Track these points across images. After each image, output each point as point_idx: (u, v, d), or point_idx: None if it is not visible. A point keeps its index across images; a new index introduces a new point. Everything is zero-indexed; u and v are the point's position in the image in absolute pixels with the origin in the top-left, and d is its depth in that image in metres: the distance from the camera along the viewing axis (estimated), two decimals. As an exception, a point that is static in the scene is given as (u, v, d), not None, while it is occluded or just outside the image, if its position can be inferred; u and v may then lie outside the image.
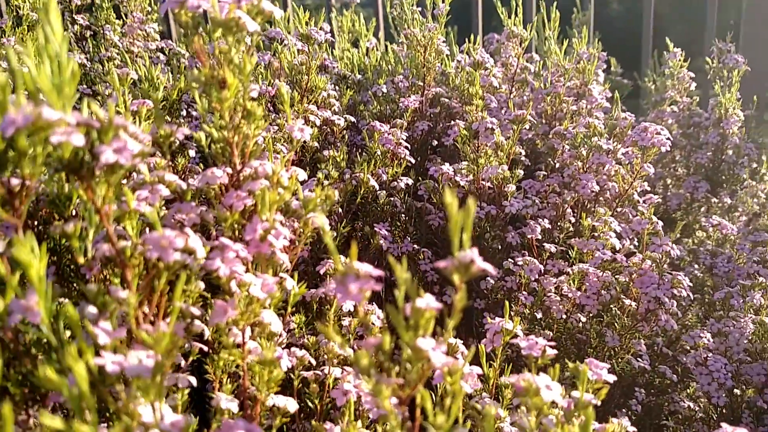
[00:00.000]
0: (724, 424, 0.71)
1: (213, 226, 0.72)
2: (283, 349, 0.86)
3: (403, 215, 1.35)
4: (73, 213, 0.63)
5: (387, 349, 0.55)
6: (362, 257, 1.16)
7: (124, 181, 0.68)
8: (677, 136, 1.99)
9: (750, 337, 1.22)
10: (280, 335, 0.88)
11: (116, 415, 0.51)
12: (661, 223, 1.22)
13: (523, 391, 0.56)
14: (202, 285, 0.68)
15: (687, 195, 1.85)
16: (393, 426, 0.52)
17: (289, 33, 1.41)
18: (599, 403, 0.71)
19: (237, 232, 0.69)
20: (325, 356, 0.87)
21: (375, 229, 1.14)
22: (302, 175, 0.77)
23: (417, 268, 1.31)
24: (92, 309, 0.53)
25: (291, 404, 0.67)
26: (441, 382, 0.57)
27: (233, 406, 0.61)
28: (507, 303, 0.89)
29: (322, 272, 0.94)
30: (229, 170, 0.71)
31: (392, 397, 0.54)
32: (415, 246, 1.31)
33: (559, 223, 1.35)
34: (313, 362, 0.87)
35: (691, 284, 1.54)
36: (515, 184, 1.23)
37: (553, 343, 0.75)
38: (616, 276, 1.21)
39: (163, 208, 0.72)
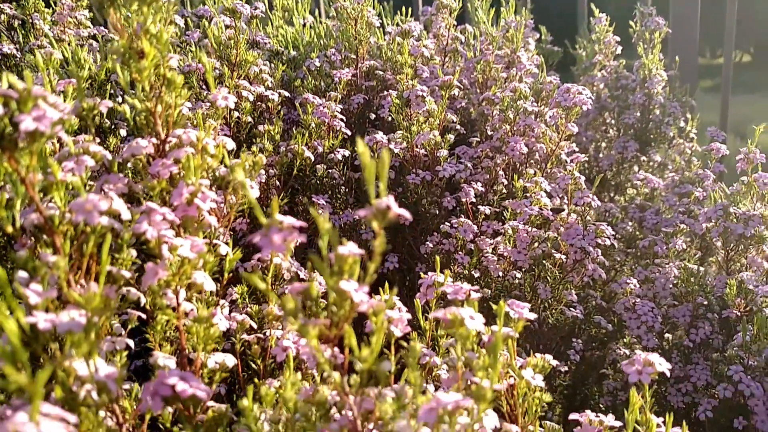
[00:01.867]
0: (638, 351, 0.77)
1: (143, 197, 0.74)
2: (225, 317, 0.89)
3: (342, 187, 1.38)
4: (-1, 186, 0.64)
5: (314, 294, 0.58)
6: (303, 230, 1.19)
7: (52, 156, 0.69)
8: (606, 99, 2.07)
9: (675, 282, 1.30)
10: (221, 304, 0.90)
11: (53, 373, 0.53)
12: (583, 178, 1.29)
13: (449, 323, 0.60)
14: (134, 253, 0.70)
15: (618, 155, 1.93)
16: (322, 363, 0.55)
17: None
18: (516, 335, 0.76)
19: (166, 201, 0.71)
20: (267, 321, 0.90)
21: (313, 199, 1.17)
22: (230, 144, 0.80)
23: (359, 237, 1.35)
24: (23, 273, 0.55)
25: (229, 360, 0.69)
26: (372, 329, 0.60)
27: (171, 362, 0.64)
28: (437, 259, 0.93)
29: (255, 240, 0.96)
30: (155, 140, 0.73)
31: (322, 341, 0.57)
32: (356, 217, 1.35)
33: (492, 187, 1.41)
34: (255, 326, 0.90)
35: (619, 236, 1.62)
36: (447, 150, 1.27)
37: (477, 287, 0.80)
38: (546, 231, 1.27)
39: (92, 182, 0.73)
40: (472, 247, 1.29)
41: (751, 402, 1.15)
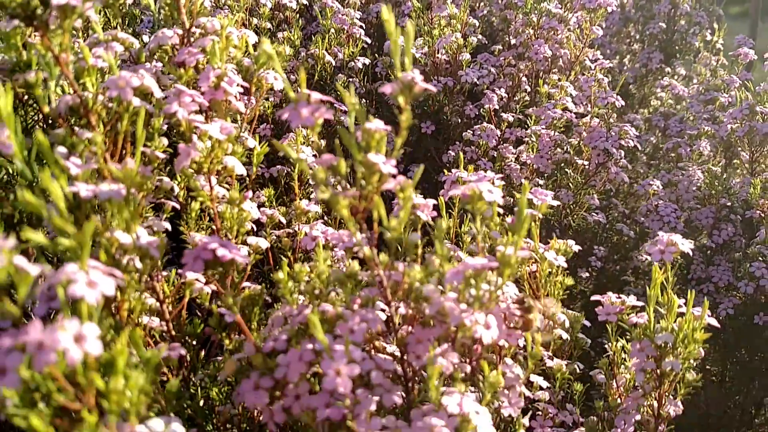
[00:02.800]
0: (660, 232, 0.78)
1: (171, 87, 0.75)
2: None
3: (363, 99, 1.38)
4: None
5: (342, 170, 0.60)
6: (322, 134, 1.20)
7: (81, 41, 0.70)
8: (631, 10, 2.01)
9: (699, 185, 1.29)
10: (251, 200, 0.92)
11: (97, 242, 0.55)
12: (606, 80, 1.27)
13: (468, 198, 0.61)
14: (165, 141, 0.72)
15: (642, 68, 1.90)
16: (353, 232, 0.57)
17: None
18: (541, 216, 0.77)
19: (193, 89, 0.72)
20: (295, 216, 0.93)
21: (335, 106, 1.17)
22: (252, 37, 0.80)
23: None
24: (62, 149, 0.57)
25: (262, 242, 0.72)
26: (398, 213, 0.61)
27: (203, 235, 0.66)
28: (461, 154, 0.94)
29: (284, 116, 0.96)
30: (179, 31, 0.73)
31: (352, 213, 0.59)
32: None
33: (515, 95, 1.40)
34: (284, 222, 0.92)
35: (642, 149, 1.61)
36: (470, 54, 1.26)
37: (501, 175, 0.81)
38: (570, 137, 1.27)
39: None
40: (495, 155, 1.30)
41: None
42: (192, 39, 0.75)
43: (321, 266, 0.63)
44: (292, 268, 0.82)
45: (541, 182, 1.35)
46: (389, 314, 0.62)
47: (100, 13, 0.81)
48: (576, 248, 0.82)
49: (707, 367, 1.45)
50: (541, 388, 0.82)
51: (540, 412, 0.84)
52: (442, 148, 1.39)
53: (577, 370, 0.91)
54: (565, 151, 1.26)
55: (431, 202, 0.77)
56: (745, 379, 1.37)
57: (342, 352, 0.53)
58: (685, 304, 0.76)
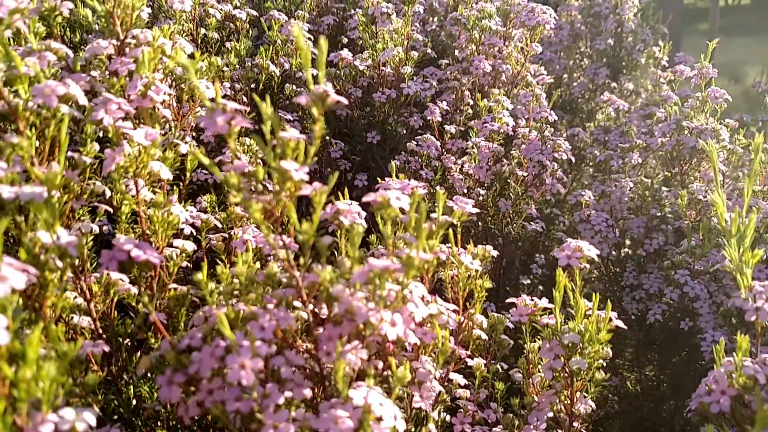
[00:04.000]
0: (568, 239, 0.83)
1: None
2: (191, 215, 0.94)
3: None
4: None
5: (259, 176, 0.63)
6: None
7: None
8: (580, 27, 2.09)
9: (631, 195, 1.36)
10: (189, 209, 0.95)
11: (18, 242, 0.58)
12: (544, 95, 1.33)
13: (378, 204, 0.65)
14: (97, 147, 0.75)
15: (589, 82, 1.97)
16: (266, 234, 0.61)
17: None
18: (457, 224, 0.81)
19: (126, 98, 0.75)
20: (231, 220, 0.96)
21: (280, 115, 1.21)
22: (188, 48, 0.83)
23: (329, 156, 1.39)
24: (-13, 153, 0.59)
25: (189, 245, 0.75)
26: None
27: (130, 237, 0.69)
28: (393, 162, 0.98)
29: (202, 123, 1.00)
30: (115, 41, 0.77)
31: (266, 217, 0.63)
32: (328, 138, 1.39)
33: (459, 107, 1.45)
34: (220, 226, 0.95)
35: (587, 161, 1.67)
36: (413, 67, 1.31)
37: (423, 184, 0.85)
38: (510, 150, 1.32)
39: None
40: (437, 165, 1.35)
41: (696, 304, 1.23)
42: (127, 49, 0.78)
43: (240, 268, 0.67)
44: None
45: (482, 192, 1.40)
46: (307, 314, 0.66)
47: (41, 22, 0.83)
48: (494, 253, 0.87)
49: (646, 372, 1.51)
50: (461, 386, 0.87)
51: (461, 410, 0.88)
52: (388, 158, 1.43)
53: (500, 370, 0.95)
54: (506, 163, 1.31)
55: (356, 208, 0.81)
56: (678, 383, 1.43)
57: (248, 348, 0.56)
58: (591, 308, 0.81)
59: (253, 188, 0.63)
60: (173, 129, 0.84)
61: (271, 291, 0.66)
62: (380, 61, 1.28)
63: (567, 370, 0.81)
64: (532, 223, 1.39)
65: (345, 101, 0.64)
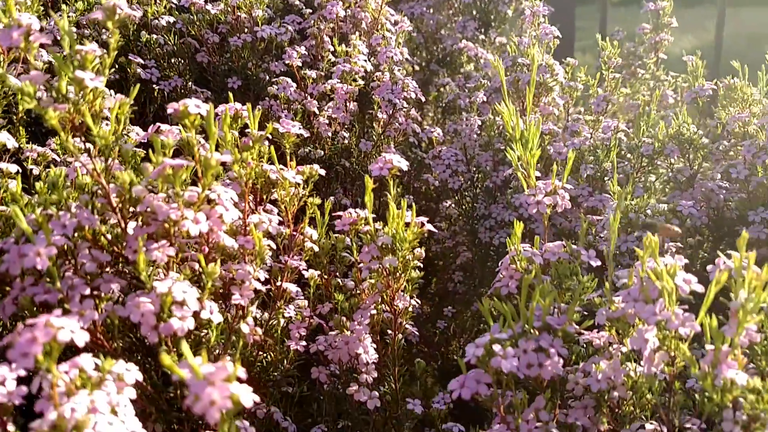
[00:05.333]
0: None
1: None
2: None
3: (174, 58, 1.44)
4: None
5: (62, 87, 0.67)
6: (121, 87, 1.26)
7: None
8: (450, -18, 2.17)
9: (478, 132, 1.46)
10: None
11: None
12: (393, 37, 1.41)
13: (179, 113, 0.71)
14: None
15: (459, 35, 2.06)
16: (64, 140, 0.65)
17: None
18: (287, 146, 0.88)
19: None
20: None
21: (130, 58, 1.23)
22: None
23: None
24: None
25: (12, 167, 0.78)
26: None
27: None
28: (249, 105, 1.03)
29: None
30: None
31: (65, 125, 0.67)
32: (190, 84, 1.42)
33: (320, 53, 1.50)
34: (59, 159, 0.98)
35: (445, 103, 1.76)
36: (266, 11, 1.35)
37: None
38: (364, 89, 1.39)
39: None
40: (298, 107, 1.40)
41: (534, 225, 1.35)
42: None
43: (51, 178, 0.71)
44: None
45: (346, 135, 1.47)
46: (117, 219, 0.71)
47: None
48: (322, 172, 0.94)
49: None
50: (295, 295, 0.94)
51: (297, 317, 0.96)
52: (253, 104, 1.47)
53: (340, 284, 1.03)
54: (357, 100, 1.38)
55: (165, 126, 0.84)
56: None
57: (43, 238, 0.61)
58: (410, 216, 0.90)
59: (54, 98, 0.67)
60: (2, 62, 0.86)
61: (75, 198, 0.70)
62: (232, 5, 1.32)
63: (385, 270, 0.90)
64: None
65: (137, 14, 0.69)
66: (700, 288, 0.65)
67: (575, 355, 0.79)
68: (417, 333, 1.60)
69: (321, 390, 1.04)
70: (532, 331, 0.72)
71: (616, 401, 0.74)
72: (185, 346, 0.48)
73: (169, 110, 0.72)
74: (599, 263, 0.82)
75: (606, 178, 1.30)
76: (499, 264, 0.85)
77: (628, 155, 1.33)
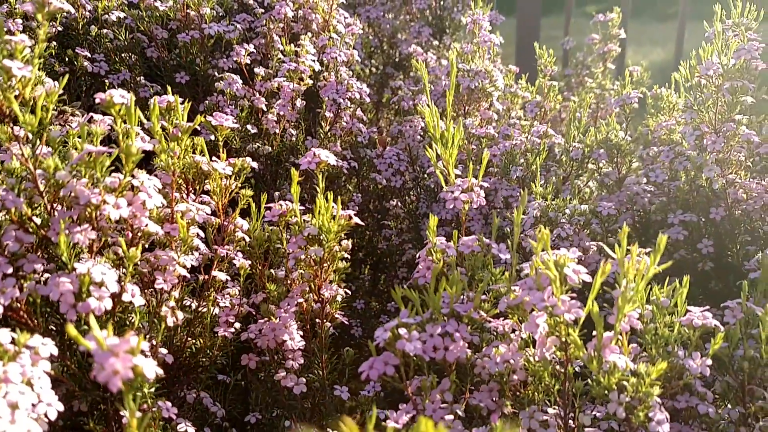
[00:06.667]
0: (315, 149, 0.95)
1: None
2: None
3: (124, 53, 1.46)
4: None
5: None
6: (69, 81, 1.28)
7: None
8: (407, -11, 2.23)
9: (422, 133, 1.51)
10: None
11: None
12: (338, 38, 1.45)
13: (105, 102, 0.74)
14: None
15: (414, 40, 2.11)
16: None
17: None
18: (219, 138, 0.91)
19: None
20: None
21: (77, 51, 1.25)
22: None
23: (137, 94, 1.44)
24: None
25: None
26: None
27: None
28: (176, 96, 1.06)
29: None
30: None
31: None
32: (139, 78, 1.45)
33: (270, 52, 1.54)
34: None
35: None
36: (213, 9, 1.38)
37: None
38: (312, 88, 1.43)
39: None
40: (244, 103, 1.44)
41: (470, 224, 1.40)
42: None
43: (-21, 162, 0.73)
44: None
45: (294, 132, 1.50)
46: (43, 202, 0.74)
47: None
48: (254, 165, 0.98)
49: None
50: (224, 283, 0.97)
51: (228, 305, 0.99)
52: (201, 99, 1.50)
53: (273, 274, 1.07)
54: (298, 99, 1.42)
55: (98, 116, 0.87)
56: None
57: (-38, 216, 0.64)
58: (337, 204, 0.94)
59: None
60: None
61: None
62: (181, 2, 1.35)
63: (312, 261, 0.94)
64: (344, 161, 1.51)
65: (67, 7, 0.72)
66: (589, 278, 0.71)
67: (485, 342, 0.84)
68: (361, 328, 1.64)
69: (253, 378, 1.07)
70: (440, 317, 0.76)
71: (517, 384, 0.79)
72: (93, 320, 0.52)
73: (97, 100, 0.75)
74: (509, 256, 0.87)
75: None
76: (417, 256, 0.89)
77: (562, 158, 1.39)
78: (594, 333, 0.69)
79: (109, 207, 0.71)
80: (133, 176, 0.73)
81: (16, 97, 0.70)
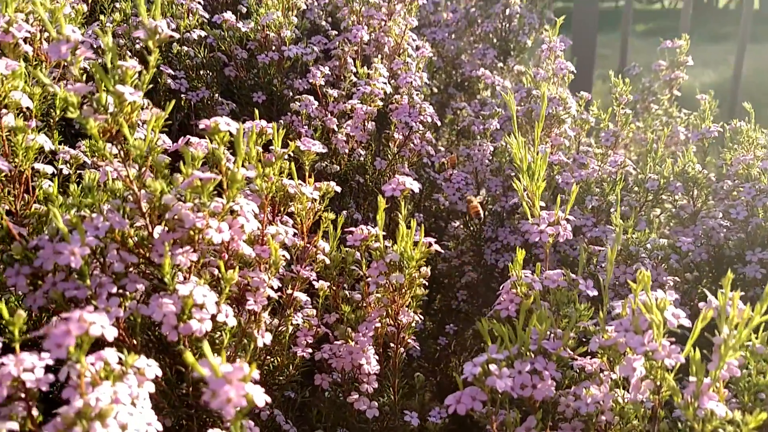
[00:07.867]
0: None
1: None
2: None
3: (203, 70, 1.50)
4: None
5: (102, 100, 0.73)
6: (151, 95, 1.32)
7: None
8: (473, 12, 2.23)
9: (490, 158, 1.50)
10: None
11: None
12: (414, 63, 1.46)
13: (210, 129, 0.76)
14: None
15: (479, 62, 2.12)
16: (101, 148, 0.71)
17: None
18: (306, 162, 0.93)
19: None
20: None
21: (161, 68, 1.29)
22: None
23: (215, 112, 1.48)
24: None
25: (48, 168, 0.84)
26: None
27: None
28: (275, 124, 1.09)
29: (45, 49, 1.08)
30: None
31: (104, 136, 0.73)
32: (216, 96, 1.48)
33: (343, 74, 1.56)
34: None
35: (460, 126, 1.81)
36: (294, 32, 1.41)
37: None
38: (382, 109, 1.44)
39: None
40: (318, 124, 1.46)
41: (538, 250, 1.39)
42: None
43: (87, 180, 0.76)
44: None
45: (363, 152, 1.52)
46: (146, 223, 0.76)
47: None
48: (338, 189, 0.99)
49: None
50: (304, 304, 0.98)
51: (305, 324, 1.00)
52: (275, 119, 1.53)
53: (348, 296, 1.08)
54: (374, 120, 1.43)
55: (195, 139, 0.89)
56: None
57: (77, 238, 0.66)
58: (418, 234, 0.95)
59: (95, 109, 0.72)
60: (44, 68, 0.92)
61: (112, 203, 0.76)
62: (262, 24, 1.38)
63: (392, 286, 0.94)
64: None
65: (176, 35, 0.74)
66: (687, 323, 0.69)
67: (568, 380, 0.83)
68: (419, 348, 1.64)
69: (322, 397, 1.08)
70: (527, 353, 0.76)
71: (603, 425, 0.78)
72: (207, 347, 0.53)
73: (201, 126, 0.77)
74: (596, 293, 0.86)
75: (612, 210, 1.34)
76: (500, 287, 0.89)
77: (635, 189, 1.37)
78: (686, 379, 0.68)
79: (212, 231, 0.72)
80: (233, 201, 0.75)
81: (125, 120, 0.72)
